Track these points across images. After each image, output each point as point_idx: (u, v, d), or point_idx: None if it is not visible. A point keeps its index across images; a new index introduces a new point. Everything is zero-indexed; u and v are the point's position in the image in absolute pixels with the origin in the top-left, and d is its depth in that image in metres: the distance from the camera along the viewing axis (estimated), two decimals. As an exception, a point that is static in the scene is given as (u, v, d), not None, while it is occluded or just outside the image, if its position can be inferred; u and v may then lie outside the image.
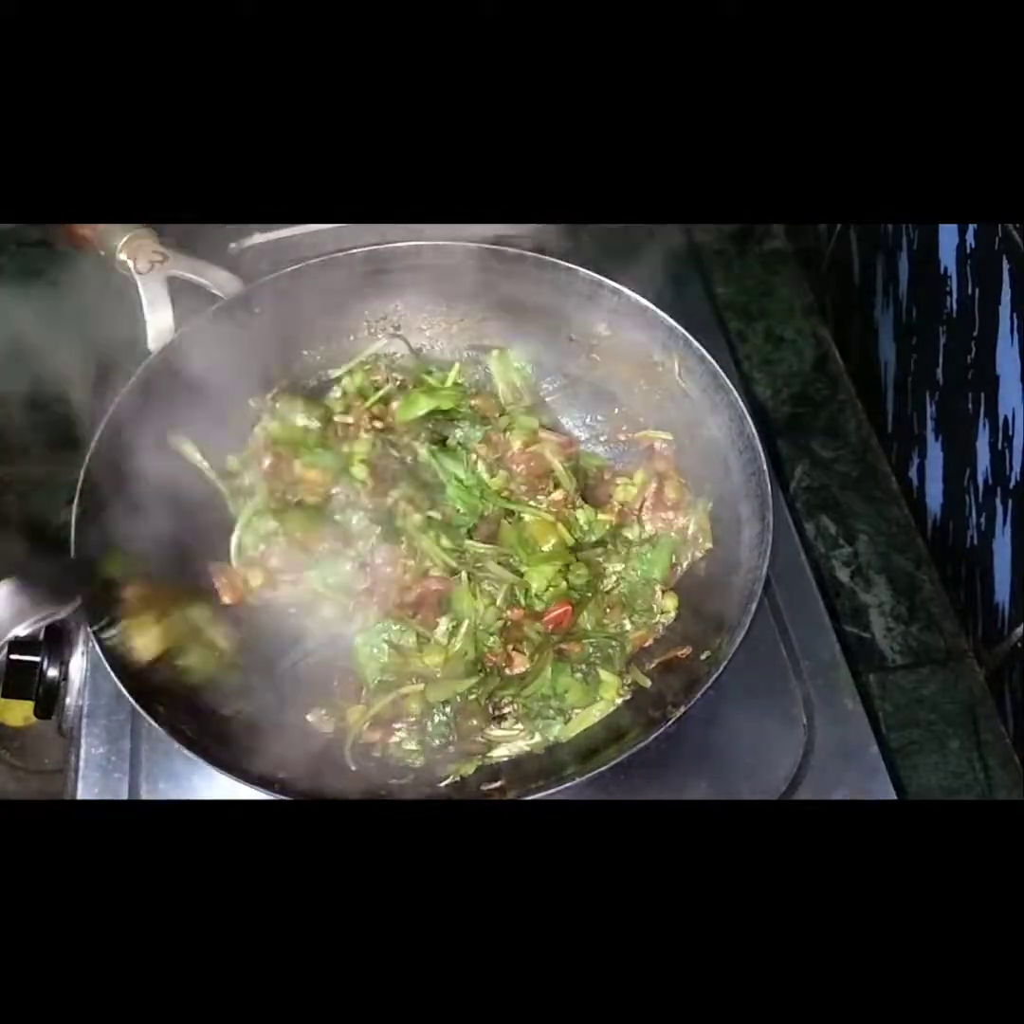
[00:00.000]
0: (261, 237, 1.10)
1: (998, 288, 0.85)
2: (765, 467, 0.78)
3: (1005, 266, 0.83)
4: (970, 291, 0.90)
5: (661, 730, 0.69)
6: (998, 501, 0.90)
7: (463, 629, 0.79)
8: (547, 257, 0.88)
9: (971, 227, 0.88)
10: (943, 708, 0.95)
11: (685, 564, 0.84)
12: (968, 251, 0.89)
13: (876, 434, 1.12)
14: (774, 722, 0.82)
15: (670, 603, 0.83)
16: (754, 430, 0.79)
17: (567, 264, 0.88)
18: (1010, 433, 0.86)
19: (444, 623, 0.80)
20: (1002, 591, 0.91)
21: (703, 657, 0.74)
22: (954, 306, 0.93)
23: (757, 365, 1.17)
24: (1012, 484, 0.87)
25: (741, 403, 0.80)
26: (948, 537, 1.00)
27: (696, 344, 0.84)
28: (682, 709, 0.69)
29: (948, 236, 0.92)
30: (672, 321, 0.85)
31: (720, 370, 0.82)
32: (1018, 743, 0.92)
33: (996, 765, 0.92)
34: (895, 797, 0.79)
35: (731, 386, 0.81)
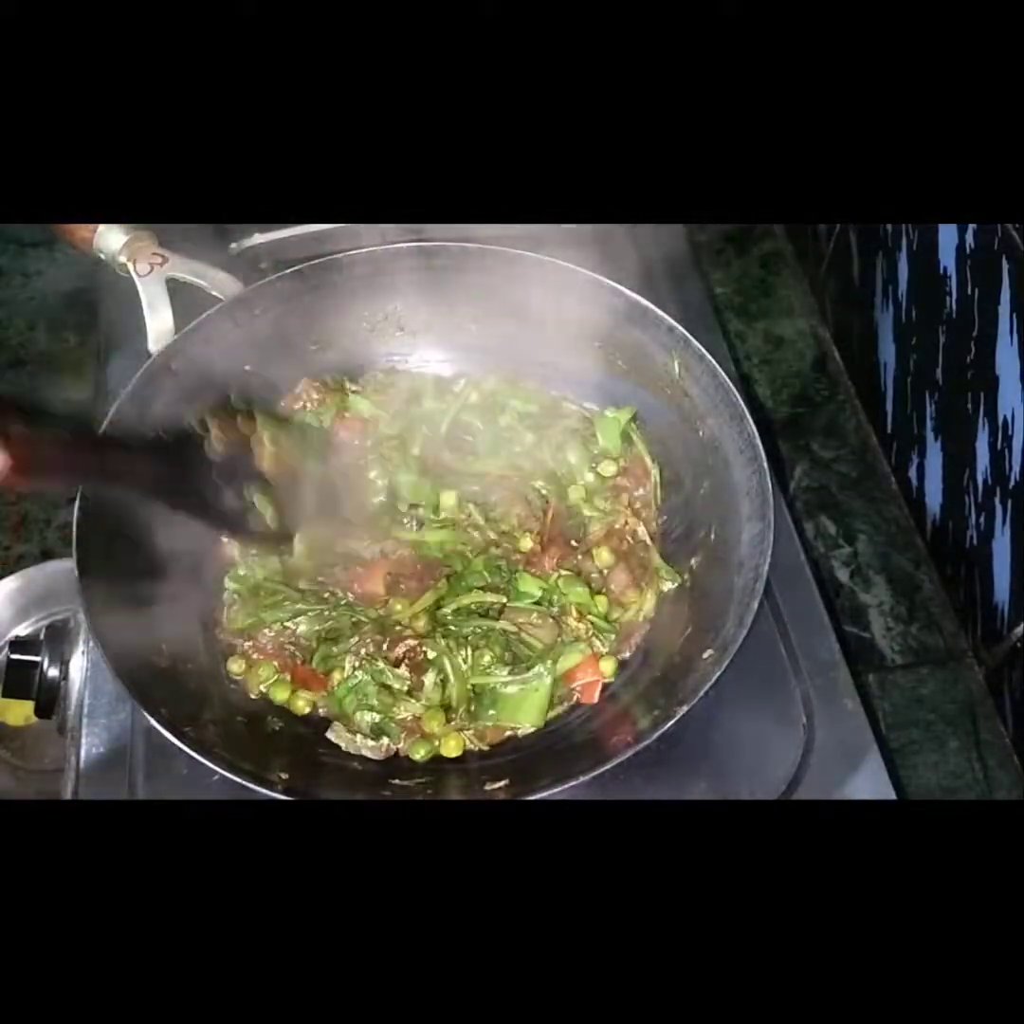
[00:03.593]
0: (261, 237, 1.10)
1: (998, 288, 0.85)
2: (765, 466, 0.78)
3: (1005, 266, 0.84)
4: (970, 291, 0.90)
5: (663, 729, 0.69)
6: (997, 501, 0.90)
7: (452, 685, 0.78)
8: (546, 257, 0.88)
9: (971, 227, 0.88)
10: (942, 708, 0.95)
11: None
12: (968, 251, 0.89)
13: (876, 434, 1.12)
14: (774, 722, 0.82)
15: (605, 556, 0.84)
16: (754, 429, 0.79)
17: (567, 264, 0.88)
18: (1010, 433, 0.86)
19: (430, 678, 0.78)
20: (1001, 591, 0.91)
21: (705, 656, 0.74)
22: (954, 306, 0.93)
23: (757, 365, 1.18)
24: (1011, 484, 0.87)
25: (741, 402, 0.80)
26: (948, 537, 1.00)
27: (695, 343, 0.84)
28: (684, 708, 0.69)
29: (948, 236, 0.92)
30: (672, 320, 0.85)
31: (719, 369, 0.82)
32: (1017, 743, 0.92)
33: (995, 765, 0.92)
34: (895, 797, 0.79)
35: (731, 385, 0.81)
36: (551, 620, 0.80)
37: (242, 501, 0.76)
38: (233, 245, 1.10)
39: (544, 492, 0.88)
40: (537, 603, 0.81)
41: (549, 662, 0.78)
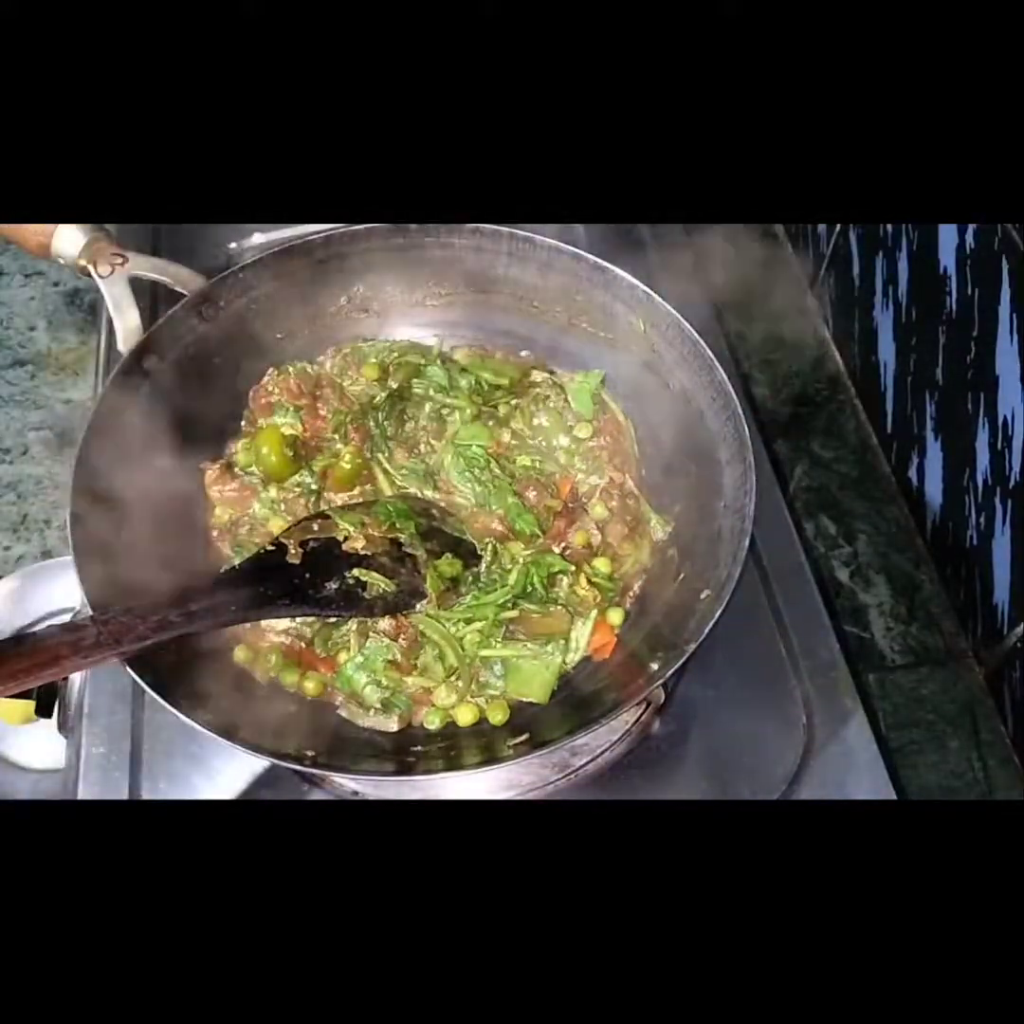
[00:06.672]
0: (261, 237, 1.10)
1: (998, 288, 0.85)
2: (739, 411, 0.79)
3: (1005, 266, 0.84)
4: (970, 291, 0.90)
5: (679, 663, 0.70)
6: (998, 501, 0.90)
7: (449, 658, 0.79)
8: (503, 228, 0.88)
9: (971, 227, 0.88)
10: (942, 708, 0.95)
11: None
12: (968, 251, 0.89)
13: (875, 434, 1.12)
14: (774, 722, 0.82)
15: (600, 510, 0.87)
16: (724, 377, 0.80)
17: (523, 233, 0.88)
18: (1010, 433, 0.86)
19: (428, 651, 0.80)
20: (1001, 591, 0.91)
21: (703, 596, 0.75)
22: (954, 306, 0.93)
23: (757, 365, 1.18)
24: (1012, 484, 0.87)
25: (708, 351, 0.81)
26: (948, 537, 1.00)
27: (659, 299, 0.84)
28: (694, 645, 0.70)
29: (948, 236, 0.92)
30: (634, 280, 0.85)
31: (685, 322, 0.83)
32: (1017, 742, 0.92)
33: (995, 764, 0.92)
34: (895, 797, 0.79)
35: (697, 337, 0.82)
36: (557, 607, 0.81)
37: (342, 585, 0.78)
38: (233, 245, 1.10)
39: (539, 465, 0.89)
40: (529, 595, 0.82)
41: (561, 641, 0.80)
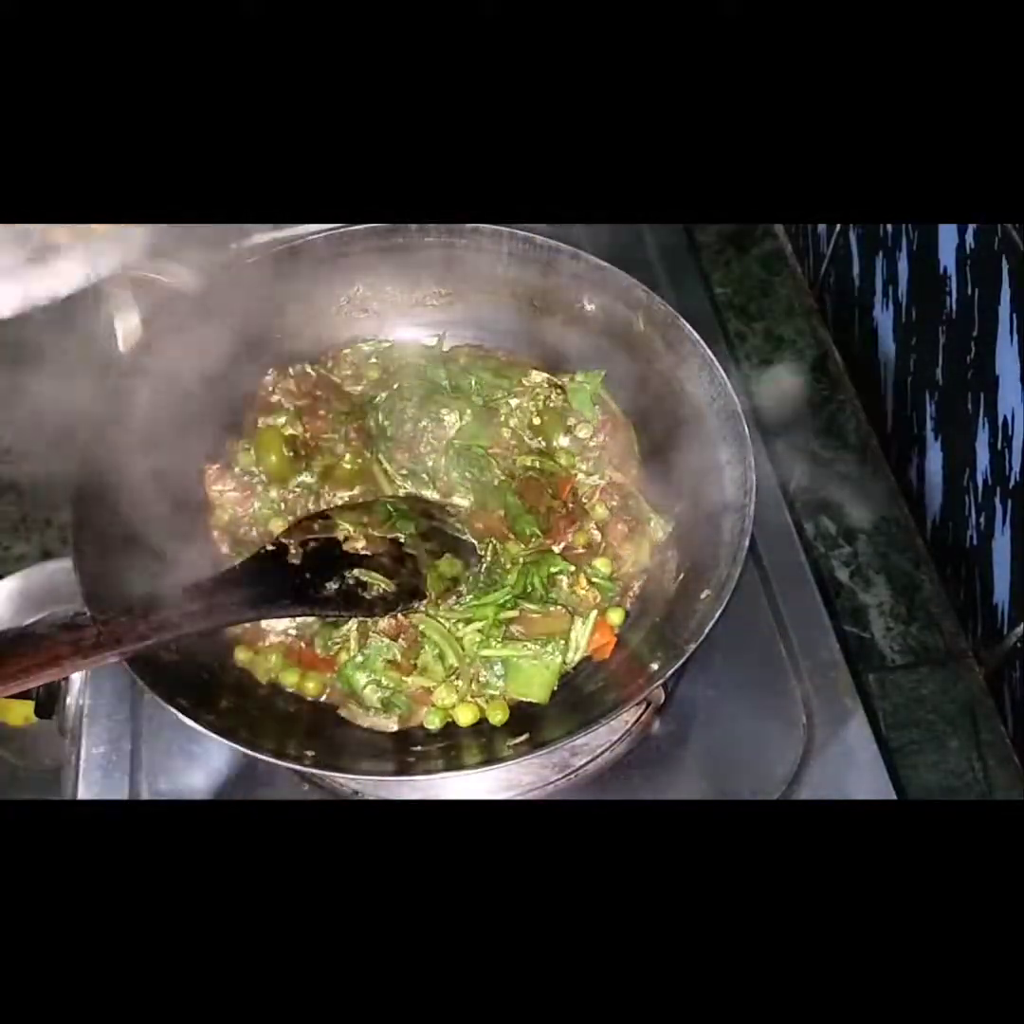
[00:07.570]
0: (261, 237, 1.10)
1: (998, 288, 0.85)
2: (739, 411, 0.79)
3: (1005, 266, 0.84)
4: (970, 291, 0.90)
5: (679, 663, 0.70)
6: (997, 501, 0.90)
7: (449, 658, 0.79)
8: (503, 228, 0.88)
9: (971, 227, 0.88)
10: (942, 708, 0.95)
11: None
12: (968, 251, 0.89)
13: (876, 434, 1.12)
14: (774, 722, 0.82)
15: (600, 511, 0.87)
16: (725, 377, 0.80)
17: (523, 233, 0.88)
18: (1010, 433, 0.86)
19: (428, 650, 0.80)
20: (1001, 591, 0.91)
21: (703, 596, 0.75)
22: (954, 306, 0.93)
23: (757, 365, 1.18)
24: (1011, 484, 0.87)
25: (708, 351, 0.81)
26: (948, 537, 1.00)
27: (658, 299, 0.85)
28: (694, 645, 0.70)
29: (948, 236, 0.92)
30: (633, 279, 0.86)
31: (684, 321, 0.83)
32: (1017, 743, 0.92)
33: (995, 764, 0.92)
34: (895, 797, 0.79)
35: (697, 337, 0.82)
36: (557, 607, 0.81)
37: (342, 585, 0.78)
38: (233, 245, 1.10)
39: (539, 465, 0.89)
40: (528, 595, 0.82)
41: (561, 641, 0.79)
